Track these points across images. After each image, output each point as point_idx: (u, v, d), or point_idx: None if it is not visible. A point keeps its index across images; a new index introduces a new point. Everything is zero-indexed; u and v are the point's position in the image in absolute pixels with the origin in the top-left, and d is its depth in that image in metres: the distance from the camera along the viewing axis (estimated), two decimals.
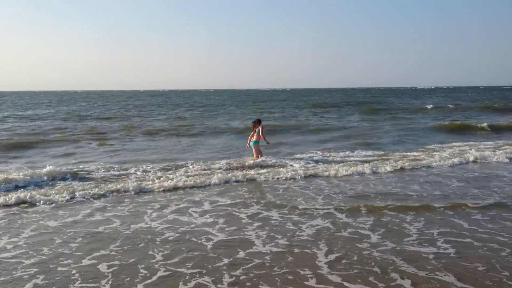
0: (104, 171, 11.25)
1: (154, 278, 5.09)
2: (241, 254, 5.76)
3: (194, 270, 5.27)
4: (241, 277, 5.06)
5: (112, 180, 10.31)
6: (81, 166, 11.96)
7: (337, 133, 20.63)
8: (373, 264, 5.35)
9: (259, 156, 12.81)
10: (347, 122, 26.44)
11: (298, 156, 13.52)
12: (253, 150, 12.97)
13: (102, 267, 5.41)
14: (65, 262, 5.61)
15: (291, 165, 11.67)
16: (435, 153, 13.64)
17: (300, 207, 7.95)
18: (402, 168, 11.43)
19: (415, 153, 13.53)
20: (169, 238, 6.41)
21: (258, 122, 13.18)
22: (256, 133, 12.93)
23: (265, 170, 11.16)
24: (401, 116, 30.73)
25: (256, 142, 12.89)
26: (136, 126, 24.49)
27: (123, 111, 39.45)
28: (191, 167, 11.71)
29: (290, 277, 5.05)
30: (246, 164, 12.06)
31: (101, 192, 9.10)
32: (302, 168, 11.26)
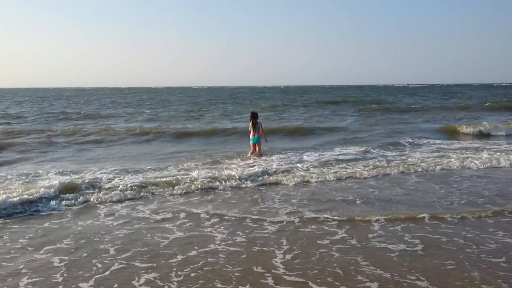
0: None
1: (107, 272, 4.95)
2: (196, 251, 5.57)
3: (147, 265, 5.14)
4: (192, 274, 4.89)
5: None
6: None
7: (322, 134, 19.24)
8: (335, 264, 5.14)
9: (259, 154, 12.50)
10: (337, 122, 24.79)
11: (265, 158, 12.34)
12: (252, 147, 12.63)
13: (55, 261, 5.26)
14: (15, 256, 5.44)
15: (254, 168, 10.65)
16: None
17: (260, 206, 7.72)
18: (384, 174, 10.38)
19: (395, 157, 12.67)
20: (120, 235, 6.22)
21: (255, 116, 12.75)
22: (255, 130, 12.57)
23: (227, 172, 10.03)
24: (397, 116, 28.39)
25: (258, 139, 12.60)
26: (100, 129, 20.47)
27: (98, 110, 35.88)
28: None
29: (242, 275, 4.87)
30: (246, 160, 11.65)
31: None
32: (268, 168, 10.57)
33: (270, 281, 4.73)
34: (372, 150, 13.81)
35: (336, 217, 6.92)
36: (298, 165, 11.24)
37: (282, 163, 11.49)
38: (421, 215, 6.96)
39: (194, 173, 9.83)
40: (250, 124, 12.71)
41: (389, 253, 5.46)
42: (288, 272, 4.93)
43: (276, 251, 5.56)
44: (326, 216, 7.01)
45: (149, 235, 6.19)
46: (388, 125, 22.93)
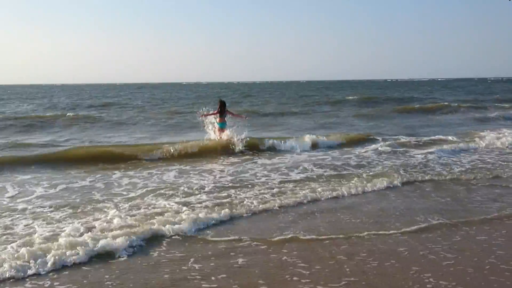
0: None
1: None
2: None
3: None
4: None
5: None
6: None
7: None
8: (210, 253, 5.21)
9: (226, 134, 13.71)
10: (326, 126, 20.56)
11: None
12: (219, 131, 13.78)
13: None
14: None
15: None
16: None
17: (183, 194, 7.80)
18: None
19: None
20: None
21: (223, 104, 13.81)
22: (222, 117, 13.76)
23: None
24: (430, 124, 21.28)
25: (225, 124, 13.81)
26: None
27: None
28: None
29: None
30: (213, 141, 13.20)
31: None
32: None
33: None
34: None
35: None
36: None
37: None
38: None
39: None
40: (218, 110, 13.78)
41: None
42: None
43: None
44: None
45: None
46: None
